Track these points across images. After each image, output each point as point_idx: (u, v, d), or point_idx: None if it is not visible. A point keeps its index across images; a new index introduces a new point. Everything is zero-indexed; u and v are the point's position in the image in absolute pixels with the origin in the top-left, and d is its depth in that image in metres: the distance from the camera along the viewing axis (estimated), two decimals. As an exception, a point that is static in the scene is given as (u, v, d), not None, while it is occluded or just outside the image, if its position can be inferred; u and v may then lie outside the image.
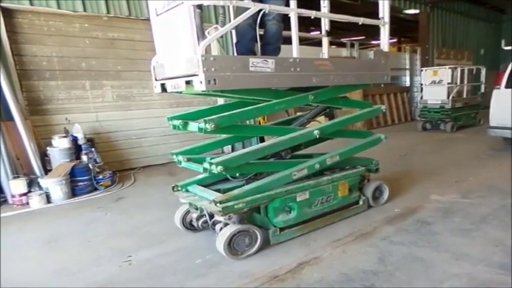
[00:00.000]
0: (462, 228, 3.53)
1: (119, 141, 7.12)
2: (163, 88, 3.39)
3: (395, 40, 21.03)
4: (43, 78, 6.23)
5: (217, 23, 3.17)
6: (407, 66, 13.97)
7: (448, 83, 9.99)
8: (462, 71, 10.35)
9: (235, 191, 3.15)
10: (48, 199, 5.19)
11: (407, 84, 13.99)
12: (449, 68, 10.16)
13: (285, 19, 3.45)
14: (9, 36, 5.74)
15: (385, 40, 4.03)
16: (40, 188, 5.24)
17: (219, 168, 2.95)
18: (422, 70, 11.06)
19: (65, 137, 5.75)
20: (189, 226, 3.73)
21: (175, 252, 3.35)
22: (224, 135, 4.09)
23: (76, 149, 5.87)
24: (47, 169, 5.67)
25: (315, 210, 3.60)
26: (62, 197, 5.25)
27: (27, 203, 5.10)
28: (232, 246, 3.09)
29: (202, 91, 2.86)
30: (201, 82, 2.77)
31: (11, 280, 3.00)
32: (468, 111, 10.65)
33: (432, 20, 14.07)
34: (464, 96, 10.55)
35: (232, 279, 2.80)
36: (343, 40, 13.54)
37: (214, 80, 2.80)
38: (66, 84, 6.47)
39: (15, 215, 4.78)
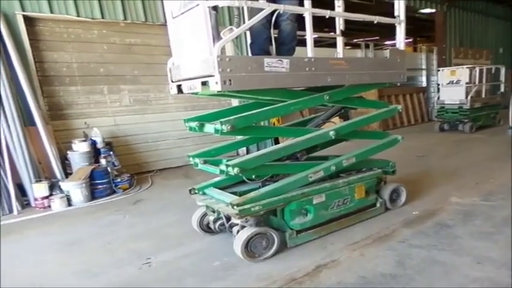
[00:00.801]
0: (483, 231, 3.47)
1: (136, 145, 7.24)
2: (180, 89, 3.42)
3: (410, 40, 20.77)
4: (63, 84, 6.40)
5: (231, 25, 3.21)
6: (424, 66, 13.76)
7: (466, 83, 9.80)
8: (481, 71, 10.14)
9: (252, 194, 3.17)
10: (69, 202, 5.31)
11: (424, 84, 13.78)
12: (467, 67, 9.97)
13: (299, 19, 3.45)
14: (31, 44, 5.92)
15: (401, 38, 3.99)
16: (61, 191, 5.37)
17: (236, 170, 2.97)
18: (439, 70, 10.88)
19: (84, 141, 5.88)
20: (206, 229, 3.77)
21: (193, 254, 3.39)
22: (239, 138, 4.13)
23: (95, 153, 5.99)
24: (67, 172, 5.80)
25: (331, 212, 3.59)
26: (82, 200, 5.37)
27: (49, 206, 5.23)
28: (250, 248, 3.10)
29: (218, 92, 2.88)
30: (216, 83, 2.79)
31: (36, 280, 3.08)
32: (487, 111, 10.41)
33: (449, 19, 13.83)
34: (483, 96, 10.33)
35: (250, 282, 2.82)
36: (358, 41, 13.46)
37: (230, 80, 2.82)
38: (85, 89, 6.63)
39: (38, 217, 4.91)
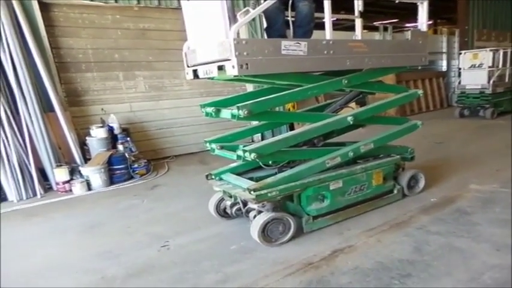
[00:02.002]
0: (503, 218, 3.40)
1: (152, 131, 7.32)
2: (196, 74, 3.38)
3: (431, 22, 20.13)
4: (80, 70, 6.48)
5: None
6: (444, 50, 13.36)
7: (489, 67, 9.50)
8: (505, 54, 9.77)
9: (269, 179, 3.17)
10: (88, 186, 5.45)
11: (444, 68, 13.41)
12: (491, 50, 9.63)
13: (316, 1, 3.35)
14: (47, 30, 5.97)
15: (423, 19, 3.83)
16: (81, 176, 5.50)
17: (253, 155, 2.96)
18: (460, 53, 10.55)
19: (101, 127, 5.97)
20: (223, 213, 3.81)
21: (210, 238, 3.44)
22: (254, 123, 4.10)
23: (112, 139, 6.09)
24: (86, 158, 5.94)
25: (348, 198, 3.57)
26: (101, 184, 5.50)
27: (70, 190, 5.37)
28: (266, 233, 3.13)
29: (235, 76, 2.84)
30: (233, 67, 2.75)
31: (60, 261, 3.20)
32: (510, 97, 10.07)
33: (472, 0, 13.30)
34: (507, 80, 9.97)
35: (266, 266, 2.85)
36: (376, 24, 13.13)
37: (247, 64, 2.77)
38: (101, 75, 6.70)
39: (60, 201, 5.06)
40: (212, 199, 3.82)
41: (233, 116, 2.96)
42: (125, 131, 6.41)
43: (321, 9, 3.20)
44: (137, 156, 6.26)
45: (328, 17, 3.17)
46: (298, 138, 3.29)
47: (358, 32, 3.74)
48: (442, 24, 19.80)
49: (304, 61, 3.07)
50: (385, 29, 11.69)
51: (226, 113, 3.18)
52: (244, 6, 5.09)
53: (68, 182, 5.39)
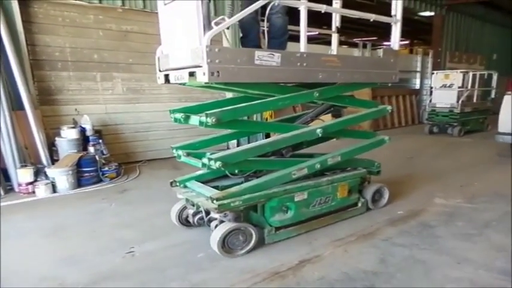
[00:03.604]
0: (465, 232, 3.52)
1: (126, 134, 7.18)
2: (167, 79, 3.35)
3: (407, 42, 20.86)
4: (55, 69, 6.29)
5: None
6: (419, 69, 13.86)
7: (459, 87, 9.95)
8: (474, 76, 10.25)
9: (233, 189, 3.13)
10: (54, 189, 5.25)
11: (417, 86, 13.89)
12: (461, 72, 10.10)
13: (293, 13, 3.36)
14: (24, 26, 5.78)
15: (396, 38, 3.93)
16: (46, 177, 5.31)
17: (218, 163, 2.93)
18: (433, 73, 10.98)
19: (73, 127, 5.82)
20: (185, 222, 3.73)
21: (178, 245, 3.38)
22: (228, 131, 4.04)
23: (84, 140, 5.94)
24: (54, 159, 5.74)
25: (312, 210, 3.57)
26: (68, 187, 5.32)
27: (33, 192, 5.17)
28: (226, 244, 3.08)
29: (206, 83, 2.82)
30: (204, 74, 2.73)
31: (17, 267, 3.06)
32: (477, 116, 10.56)
33: (447, 23, 13.90)
34: (474, 100, 10.43)
35: (233, 274, 2.83)
36: (356, 40, 13.49)
37: (218, 72, 2.75)
38: (77, 75, 6.53)
39: (22, 203, 4.86)
40: (174, 207, 3.75)
41: (201, 123, 2.91)
42: (98, 132, 6.27)
43: (298, 21, 3.22)
44: (108, 159, 6.13)
45: (303, 30, 3.20)
46: (266, 148, 3.27)
47: (334, 47, 3.83)
48: (418, 44, 20.59)
49: (276, 72, 3.07)
50: (364, 46, 12.05)
51: (194, 119, 3.12)
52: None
53: (31, 183, 5.19)
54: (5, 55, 5.35)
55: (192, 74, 2.92)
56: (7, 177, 5.34)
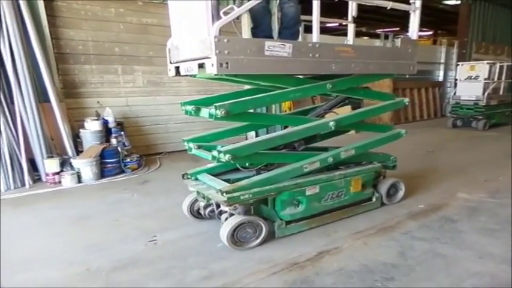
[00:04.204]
0: (487, 227, 3.45)
1: (147, 126, 7.31)
2: (178, 71, 3.29)
3: (431, 33, 20.29)
4: (78, 62, 6.45)
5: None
6: (443, 60, 13.49)
7: (485, 79, 9.64)
8: (501, 67, 9.91)
9: (243, 182, 3.10)
10: (79, 179, 5.42)
11: (441, 79, 13.54)
12: (488, 63, 9.76)
13: (308, 2, 3.21)
14: (49, 20, 5.93)
15: (414, 27, 3.76)
16: (72, 168, 5.48)
17: (227, 156, 2.89)
18: (458, 64, 10.67)
19: (96, 120, 5.96)
20: (197, 214, 3.75)
21: (197, 235, 3.45)
22: (243, 123, 3.92)
23: (106, 132, 6.07)
24: (78, 150, 5.92)
25: (324, 205, 3.50)
26: (92, 177, 5.48)
27: (60, 182, 5.35)
28: (236, 237, 3.07)
29: (215, 75, 2.75)
30: (212, 65, 2.66)
31: (45, 253, 3.19)
32: (503, 109, 10.25)
33: (473, 12, 13.37)
34: (501, 93, 10.11)
35: (252, 264, 2.87)
36: (378, 31, 13.23)
37: (227, 63, 2.68)
38: (99, 68, 6.68)
39: (49, 192, 5.04)
40: (186, 199, 3.76)
41: (210, 115, 2.87)
42: (120, 125, 6.40)
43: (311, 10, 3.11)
44: (130, 151, 6.25)
45: (316, 19, 3.09)
46: (277, 141, 3.21)
47: (350, 37, 3.67)
48: (442, 35, 19.99)
49: (287, 63, 2.98)
50: (386, 36, 11.80)
51: (205, 112, 3.08)
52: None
53: (57, 173, 5.36)
54: (31, 49, 5.51)
55: (201, 66, 2.87)
56: (35, 167, 5.54)
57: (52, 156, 5.47)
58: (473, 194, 4.38)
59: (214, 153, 2.96)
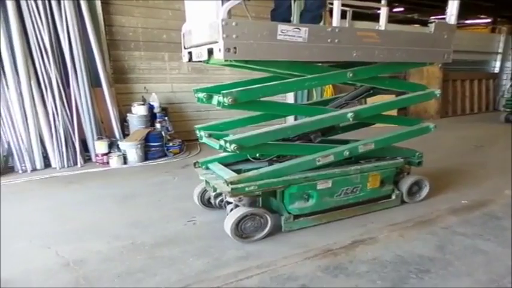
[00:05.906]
0: (536, 226, 3.28)
1: (189, 112, 7.53)
2: (191, 57, 3.13)
3: (490, 20, 18.94)
4: (128, 49, 6.73)
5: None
6: (500, 50, 12.60)
7: (545, 71, 8.93)
8: None
9: (250, 173, 2.97)
10: (124, 160, 5.75)
11: (497, 70, 12.68)
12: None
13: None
14: (103, 7, 6.21)
15: (453, 11, 3.39)
16: (119, 149, 5.81)
17: (233, 146, 2.75)
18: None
19: (142, 105, 6.25)
20: (207, 203, 3.72)
21: (234, 218, 3.55)
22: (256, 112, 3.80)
23: (151, 117, 6.36)
24: (125, 133, 6.26)
25: (336, 200, 3.33)
26: (136, 159, 5.78)
27: (107, 162, 5.70)
28: (240, 229, 3.00)
29: (225, 60, 2.59)
30: (220, 50, 2.50)
31: (94, 227, 3.45)
32: None
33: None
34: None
35: (287, 248, 2.93)
36: (431, 19, 12.57)
37: (235, 48, 2.50)
38: (147, 55, 6.94)
39: (97, 171, 5.40)
40: (197, 188, 3.72)
41: (219, 103, 2.74)
42: (164, 110, 6.66)
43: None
44: (173, 136, 6.50)
45: (337, 1, 2.87)
46: (287, 131, 3.04)
47: (383, 23, 3.30)
48: (502, 23, 18.58)
49: (302, 49, 2.75)
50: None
51: (215, 99, 2.92)
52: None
53: (106, 154, 5.70)
54: (86, 35, 5.83)
55: (211, 52, 2.71)
56: (86, 148, 5.93)
57: (101, 138, 5.82)
58: (522, 192, 4.15)
59: (222, 142, 2.82)
